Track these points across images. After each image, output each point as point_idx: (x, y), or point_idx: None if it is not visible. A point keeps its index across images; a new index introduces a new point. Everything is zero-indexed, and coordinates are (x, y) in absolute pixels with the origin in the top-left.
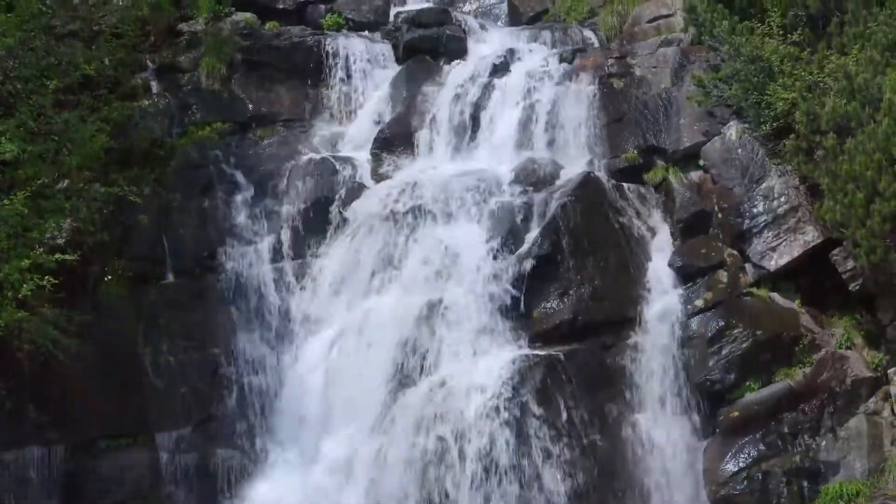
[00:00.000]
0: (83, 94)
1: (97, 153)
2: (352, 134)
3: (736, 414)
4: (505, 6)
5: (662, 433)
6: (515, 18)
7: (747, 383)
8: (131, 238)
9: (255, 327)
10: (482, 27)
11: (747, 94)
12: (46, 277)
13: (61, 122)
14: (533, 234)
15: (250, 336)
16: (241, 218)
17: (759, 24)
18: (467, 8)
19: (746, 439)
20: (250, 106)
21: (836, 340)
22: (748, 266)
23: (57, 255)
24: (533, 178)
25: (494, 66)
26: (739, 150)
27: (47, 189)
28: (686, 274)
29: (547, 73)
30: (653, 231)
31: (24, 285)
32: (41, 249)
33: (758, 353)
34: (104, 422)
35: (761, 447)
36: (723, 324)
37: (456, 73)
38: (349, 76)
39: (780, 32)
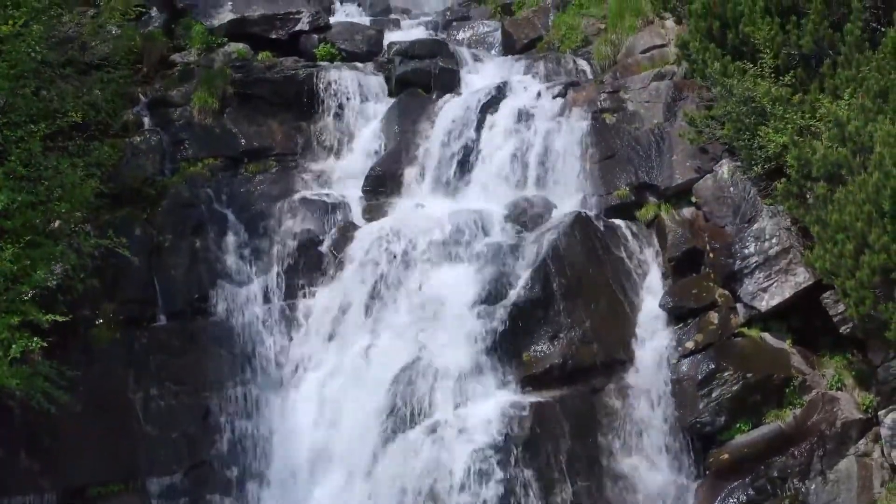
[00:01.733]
0: (74, 137)
1: (87, 198)
2: (344, 169)
3: (725, 456)
4: (499, 34)
5: (653, 476)
6: (509, 46)
7: (737, 425)
8: (122, 280)
9: (246, 370)
10: (476, 58)
11: (739, 133)
12: (35, 339)
13: (51, 169)
14: (524, 275)
15: (241, 379)
16: (233, 259)
17: (751, 65)
18: (461, 35)
19: (736, 483)
20: (242, 141)
21: (827, 381)
22: (739, 306)
23: (49, 316)
24: (524, 218)
25: (487, 101)
26: (731, 189)
27: (37, 237)
28: (677, 315)
29: (539, 109)
30: (644, 269)
31: (14, 346)
32: (31, 297)
33: (748, 396)
34: (95, 468)
35: (750, 492)
36: (713, 366)
37: (448, 109)
38: (341, 110)
39: (773, 73)
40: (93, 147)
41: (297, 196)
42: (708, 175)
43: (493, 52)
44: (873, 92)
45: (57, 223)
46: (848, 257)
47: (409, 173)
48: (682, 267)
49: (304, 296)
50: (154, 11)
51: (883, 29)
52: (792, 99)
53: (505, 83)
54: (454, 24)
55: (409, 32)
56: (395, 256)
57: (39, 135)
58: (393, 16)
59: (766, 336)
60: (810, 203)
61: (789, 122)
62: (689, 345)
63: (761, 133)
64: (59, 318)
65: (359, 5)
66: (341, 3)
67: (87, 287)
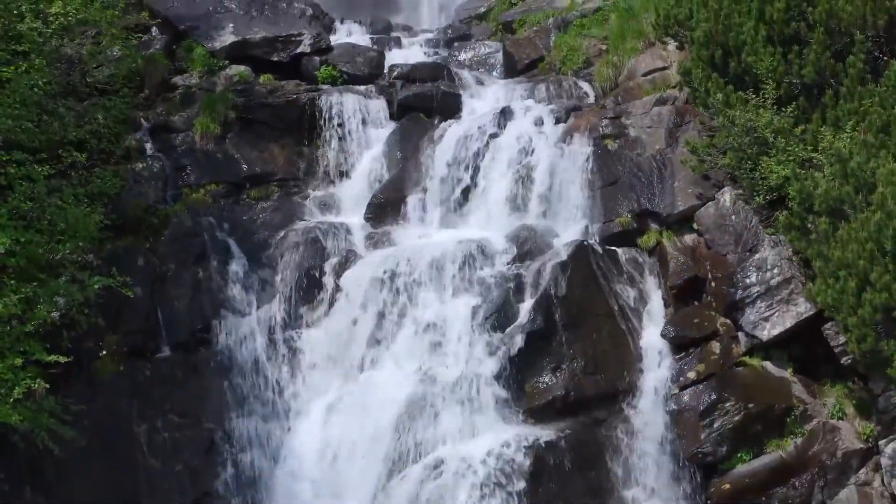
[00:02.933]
0: (76, 166)
1: (92, 232)
2: (346, 195)
3: (727, 486)
4: (500, 56)
5: None
6: (511, 66)
7: (739, 454)
8: (125, 311)
9: (249, 401)
10: (477, 81)
11: (741, 163)
12: (39, 381)
13: (54, 206)
14: (526, 305)
15: (244, 410)
16: (235, 289)
17: (753, 95)
18: (463, 56)
19: None
20: (244, 166)
21: (828, 410)
22: (741, 335)
23: (53, 357)
24: (526, 247)
25: (488, 127)
26: (733, 217)
27: (40, 273)
28: (679, 344)
29: (541, 135)
30: (646, 298)
31: (17, 387)
32: (34, 332)
33: (750, 425)
34: (100, 502)
35: None
36: (715, 397)
37: (450, 135)
38: (343, 134)
39: (775, 104)
40: (95, 176)
41: (299, 224)
42: (710, 203)
43: (494, 73)
44: (876, 127)
45: (60, 255)
46: (850, 294)
47: (411, 201)
48: (683, 295)
49: (307, 325)
50: (155, 31)
51: (885, 58)
52: (794, 130)
53: (507, 108)
54: (455, 44)
55: (410, 51)
56: (397, 287)
57: (44, 173)
58: (394, 34)
59: (768, 365)
60: (812, 237)
61: (791, 154)
62: (691, 375)
63: (763, 164)
64: (63, 360)
65: (360, 23)
66: (342, 21)
67: (90, 322)
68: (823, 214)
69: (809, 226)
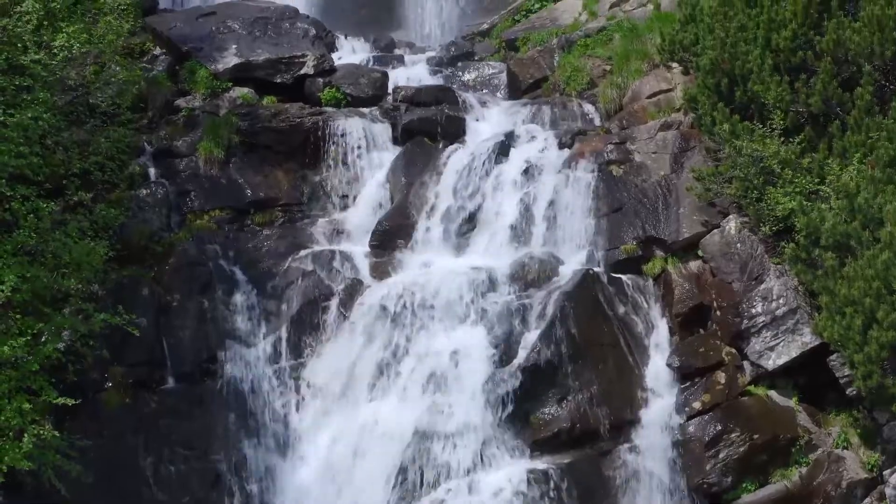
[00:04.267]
0: (81, 198)
1: (96, 266)
2: (351, 221)
3: None
4: (504, 76)
5: None
6: (514, 86)
7: (744, 484)
8: (130, 343)
9: (255, 432)
10: (482, 103)
11: (747, 192)
12: (48, 427)
13: (59, 240)
14: (531, 336)
15: (250, 442)
16: (240, 318)
17: (759, 125)
18: (466, 77)
19: None
20: (248, 191)
21: (833, 440)
22: (746, 364)
23: (60, 399)
24: (531, 276)
25: (493, 153)
26: (739, 245)
27: (45, 307)
28: (684, 374)
29: (546, 161)
30: (651, 326)
31: (27, 435)
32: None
33: (755, 456)
34: None
35: None
36: (720, 428)
37: (454, 161)
38: (347, 159)
39: (782, 134)
40: (99, 208)
41: (303, 252)
42: (715, 230)
43: (498, 94)
44: (883, 161)
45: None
46: (856, 332)
47: (416, 229)
48: (688, 322)
49: (313, 355)
50: (157, 50)
51: (893, 87)
52: (801, 162)
53: (511, 133)
54: (459, 63)
55: (413, 70)
56: (402, 318)
57: (49, 209)
58: (397, 51)
59: (773, 394)
60: (819, 272)
61: (798, 185)
62: (697, 405)
63: (769, 194)
64: (70, 402)
65: (363, 40)
66: (346, 38)
67: (95, 354)
68: (830, 249)
69: (816, 259)
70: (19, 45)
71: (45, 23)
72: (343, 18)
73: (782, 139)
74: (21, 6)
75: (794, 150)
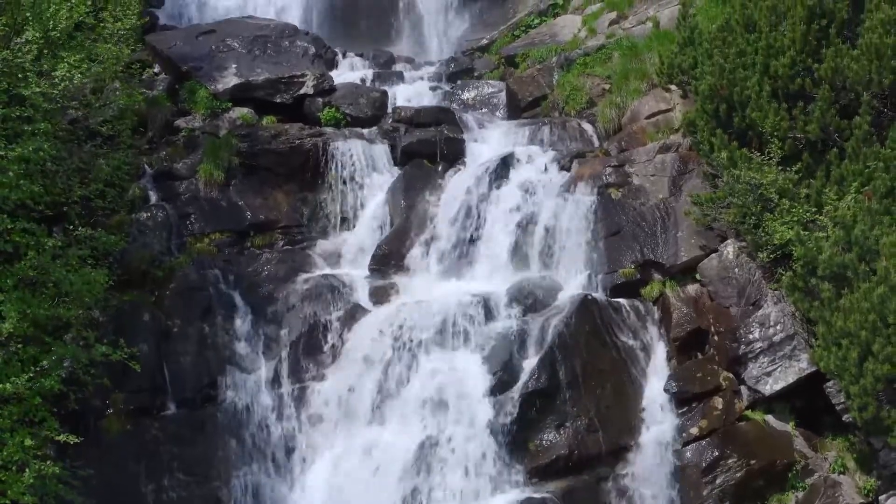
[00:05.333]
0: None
1: (97, 295)
2: (351, 245)
3: None
4: (504, 95)
5: None
6: (514, 105)
7: None
8: (131, 369)
9: (255, 459)
10: (480, 124)
11: (745, 218)
12: (50, 462)
13: (60, 272)
14: (530, 362)
15: (251, 468)
16: (241, 344)
17: (757, 153)
18: (466, 95)
19: None
20: (248, 214)
21: (829, 464)
22: (743, 388)
23: (64, 437)
24: (530, 300)
25: (492, 175)
26: (736, 270)
27: (46, 337)
28: (682, 399)
29: (545, 184)
30: (649, 349)
31: (28, 470)
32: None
33: (752, 481)
34: None
35: None
36: (717, 454)
37: (454, 184)
38: (347, 181)
39: (780, 163)
40: (100, 235)
41: (303, 276)
42: (713, 254)
43: (497, 113)
44: (880, 193)
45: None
46: (852, 364)
47: (415, 252)
48: (686, 346)
49: (313, 380)
50: (157, 67)
51: (891, 113)
52: (798, 191)
53: (510, 155)
54: (459, 81)
55: (413, 87)
56: (402, 344)
57: (53, 244)
58: (396, 66)
59: (770, 419)
60: (816, 303)
61: (795, 214)
62: (694, 431)
63: (767, 221)
64: (73, 440)
65: (362, 56)
66: (345, 55)
67: (96, 382)
68: (827, 279)
69: (813, 288)
70: (20, 75)
71: (45, 51)
72: (343, 31)
73: (780, 166)
74: (21, 37)
75: (792, 178)
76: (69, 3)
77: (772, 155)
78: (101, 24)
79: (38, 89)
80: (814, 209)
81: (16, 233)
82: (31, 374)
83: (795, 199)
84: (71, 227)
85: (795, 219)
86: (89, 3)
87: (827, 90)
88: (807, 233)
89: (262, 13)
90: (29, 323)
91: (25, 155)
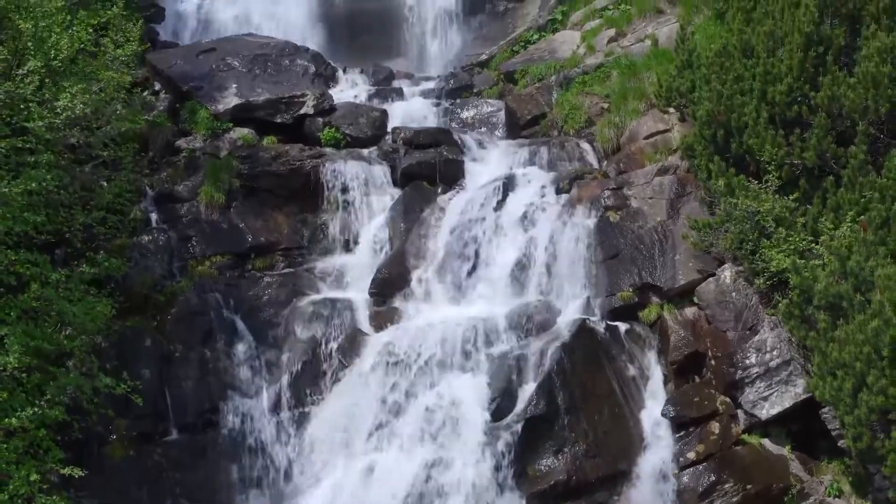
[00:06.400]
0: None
1: (99, 324)
2: (351, 267)
3: None
4: (502, 114)
5: None
6: (512, 123)
7: None
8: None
9: (256, 483)
10: (479, 145)
11: (742, 244)
12: (55, 498)
13: (63, 302)
14: (529, 388)
15: (252, 493)
16: (242, 369)
17: (755, 181)
18: (465, 114)
19: None
20: (249, 237)
21: (825, 488)
22: (740, 412)
23: (68, 469)
24: (529, 325)
25: (491, 199)
26: (734, 294)
27: (49, 366)
28: (679, 423)
29: (544, 207)
30: (647, 373)
31: None
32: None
33: None
34: None
35: None
36: (714, 478)
37: (453, 207)
38: (347, 202)
39: (777, 191)
40: (101, 260)
41: (304, 301)
42: (711, 278)
43: (496, 132)
44: (875, 223)
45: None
46: (846, 394)
47: (415, 276)
48: (684, 370)
49: (314, 404)
50: (157, 85)
51: (887, 139)
52: (795, 220)
53: (509, 178)
54: (458, 100)
55: (412, 103)
56: (402, 369)
57: (57, 277)
58: (396, 82)
59: (766, 442)
60: (812, 333)
61: (792, 243)
62: (691, 455)
63: (764, 247)
64: (78, 473)
65: (362, 72)
66: (345, 71)
67: (100, 412)
68: (823, 309)
69: (809, 316)
70: (22, 106)
71: (47, 80)
72: (343, 45)
73: (777, 193)
74: (23, 68)
75: (789, 206)
76: (70, 32)
77: (769, 183)
78: (102, 49)
79: (41, 122)
80: (810, 238)
81: (20, 264)
82: (37, 409)
83: (792, 227)
84: (72, 251)
85: (792, 247)
86: (91, 30)
87: (824, 118)
88: (803, 261)
89: (264, 26)
90: (32, 356)
91: (28, 186)
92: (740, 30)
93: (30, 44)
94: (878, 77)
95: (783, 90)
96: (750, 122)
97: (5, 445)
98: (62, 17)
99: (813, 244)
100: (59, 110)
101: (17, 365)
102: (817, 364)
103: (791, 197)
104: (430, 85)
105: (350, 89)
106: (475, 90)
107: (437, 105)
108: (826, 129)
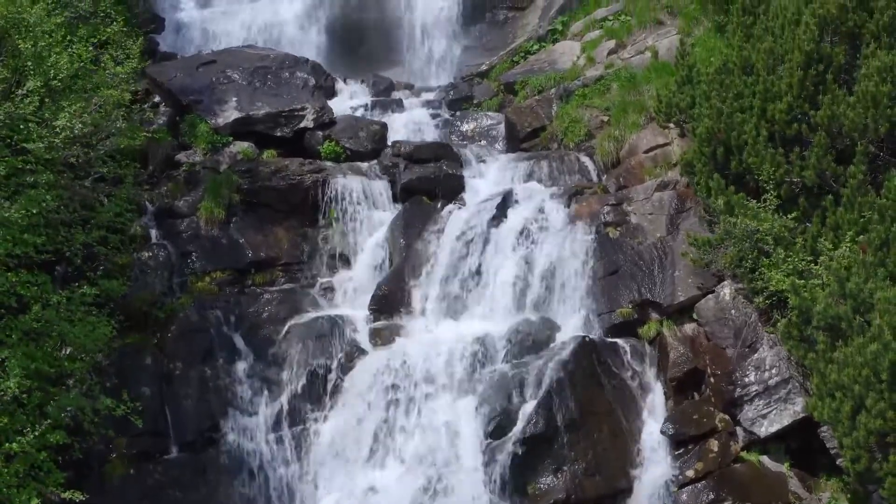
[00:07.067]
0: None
1: (99, 345)
2: (350, 283)
3: None
4: (502, 127)
5: None
6: (512, 135)
7: None
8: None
9: (256, 501)
10: (479, 159)
11: (741, 262)
12: None
13: (64, 323)
14: (528, 406)
15: None
16: (242, 387)
17: (754, 200)
18: (465, 127)
19: None
20: (249, 252)
21: None
22: (739, 430)
23: (68, 494)
24: (528, 342)
25: (491, 215)
26: (733, 311)
27: (50, 387)
28: (678, 441)
29: (543, 223)
30: (646, 390)
31: None
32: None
33: None
34: None
35: None
36: (713, 497)
37: (453, 223)
38: (347, 217)
39: (777, 210)
40: (101, 281)
41: (304, 318)
42: (710, 295)
43: (497, 145)
44: (875, 245)
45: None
46: (845, 416)
47: (415, 293)
48: (683, 387)
49: (314, 421)
50: (157, 97)
51: (887, 157)
52: (795, 240)
53: (509, 192)
54: (458, 112)
55: (412, 114)
56: (401, 387)
57: (57, 299)
58: (396, 93)
59: (765, 460)
60: (811, 355)
61: (791, 263)
62: (690, 473)
63: (763, 266)
64: (80, 497)
65: (362, 82)
66: (345, 81)
67: (100, 432)
68: (822, 330)
69: (808, 336)
70: (21, 126)
71: (47, 99)
72: (344, 54)
73: (777, 212)
74: (23, 88)
75: (788, 224)
76: (70, 51)
77: (768, 201)
78: (102, 66)
79: (41, 145)
80: (809, 257)
81: (21, 286)
82: (37, 433)
83: (791, 247)
84: (73, 269)
85: (791, 266)
86: (91, 48)
87: (823, 136)
88: (802, 281)
89: (263, 36)
90: (33, 378)
91: (30, 211)
92: (740, 46)
93: (29, 63)
94: (877, 96)
95: (783, 108)
96: (750, 140)
97: (6, 470)
98: (62, 34)
99: (812, 264)
100: (58, 129)
101: (17, 391)
102: (816, 385)
103: (790, 215)
104: (431, 96)
105: (350, 100)
106: (475, 101)
107: (437, 116)
108: (826, 147)
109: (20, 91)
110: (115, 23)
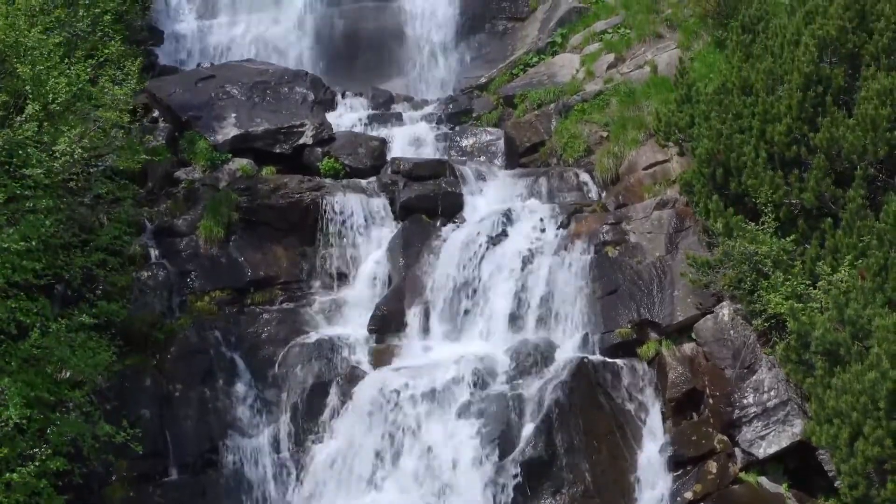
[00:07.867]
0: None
1: (100, 369)
2: (350, 302)
3: None
4: (501, 143)
5: None
6: (511, 150)
7: None
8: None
9: None
10: (478, 176)
11: (740, 283)
12: None
13: (65, 348)
14: (528, 428)
15: None
16: (242, 408)
17: (752, 223)
18: (465, 143)
19: None
20: (248, 271)
21: None
22: (737, 450)
23: None
24: (527, 363)
25: (490, 234)
26: (732, 332)
27: (51, 413)
28: (677, 462)
29: (542, 243)
30: (645, 411)
31: None
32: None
33: None
34: None
35: None
36: None
37: (452, 242)
38: (346, 235)
39: (775, 232)
40: (101, 306)
41: (303, 338)
42: (709, 315)
43: (496, 161)
44: (873, 270)
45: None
46: (843, 442)
47: (414, 313)
48: (682, 407)
49: (313, 443)
50: (156, 112)
51: (886, 178)
52: (793, 264)
53: (508, 212)
54: (457, 127)
55: (412, 128)
56: (401, 408)
57: (56, 327)
58: (395, 106)
59: (764, 481)
60: (809, 380)
61: (789, 286)
62: (688, 495)
63: (762, 288)
64: None
65: (361, 95)
66: (343, 95)
67: (101, 458)
68: (820, 355)
69: (807, 360)
70: (21, 152)
71: (45, 123)
72: (342, 66)
73: (776, 233)
74: (22, 114)
75: (787, 247)
76: (69, 74)
77: (766, 224)
78: (101, 87)
79: (39, 170)
80: (808, 281)
81: (20, 312)
82: (37, 462)
83: (789, 271)
84: (72, 291)
85: (789, 290)
86: (89, 70)
87: (822, 159)
88: (800, 305)
89: (262, 49)
90: (33, 406)
91: (29, 239)
92: (739, 66)
93: (28, 87)
94: (877, 119)
95: (782, 130)
96: (749, 161)
97: (6, 499)
98: (62, 53)
99: (811, 288)
100: (57, 154)
101: (17, 420)
102: (814, 410)
103: (789, 238)
104: (430, 109)
105: (349, 113)
106: (474, 114)
107: (437, 130)
108: (825, 170)
109: (19, 118)
110: (113, 41)
